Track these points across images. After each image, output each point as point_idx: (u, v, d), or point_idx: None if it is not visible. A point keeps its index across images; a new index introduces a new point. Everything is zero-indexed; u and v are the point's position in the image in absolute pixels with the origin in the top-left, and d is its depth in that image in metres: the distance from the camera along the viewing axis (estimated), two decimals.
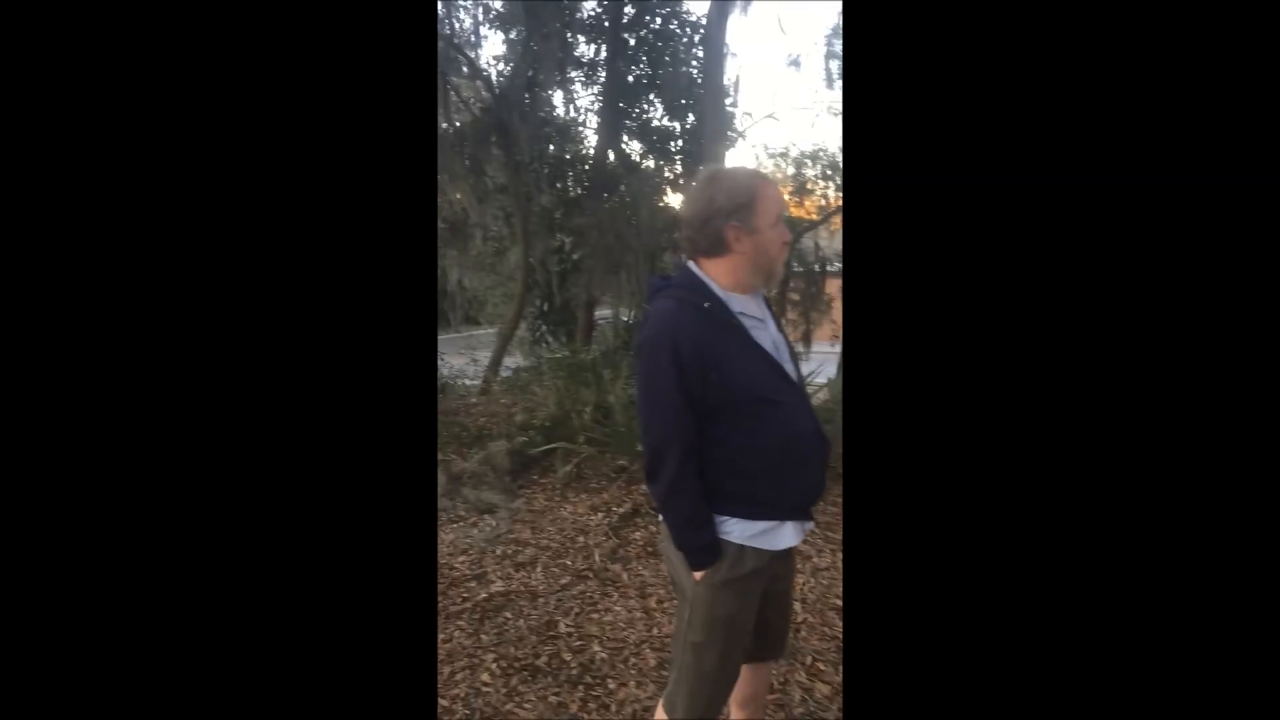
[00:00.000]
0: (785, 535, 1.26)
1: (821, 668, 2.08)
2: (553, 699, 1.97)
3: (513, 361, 6.74)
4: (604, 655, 2.18)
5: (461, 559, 2.89)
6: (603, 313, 7.16)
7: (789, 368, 1.26)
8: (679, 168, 7.21)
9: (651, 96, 7.01)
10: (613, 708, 1.94)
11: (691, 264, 1.28)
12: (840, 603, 2.47)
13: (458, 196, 6.95)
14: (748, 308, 1.25)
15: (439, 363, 5.65)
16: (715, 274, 1.25)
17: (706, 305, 1.22)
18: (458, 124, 6.36)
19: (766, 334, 1.26)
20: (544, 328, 7.24)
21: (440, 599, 2.57)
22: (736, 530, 1.23)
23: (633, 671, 2.10)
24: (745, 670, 1.40)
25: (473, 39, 6.53)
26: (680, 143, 7.11)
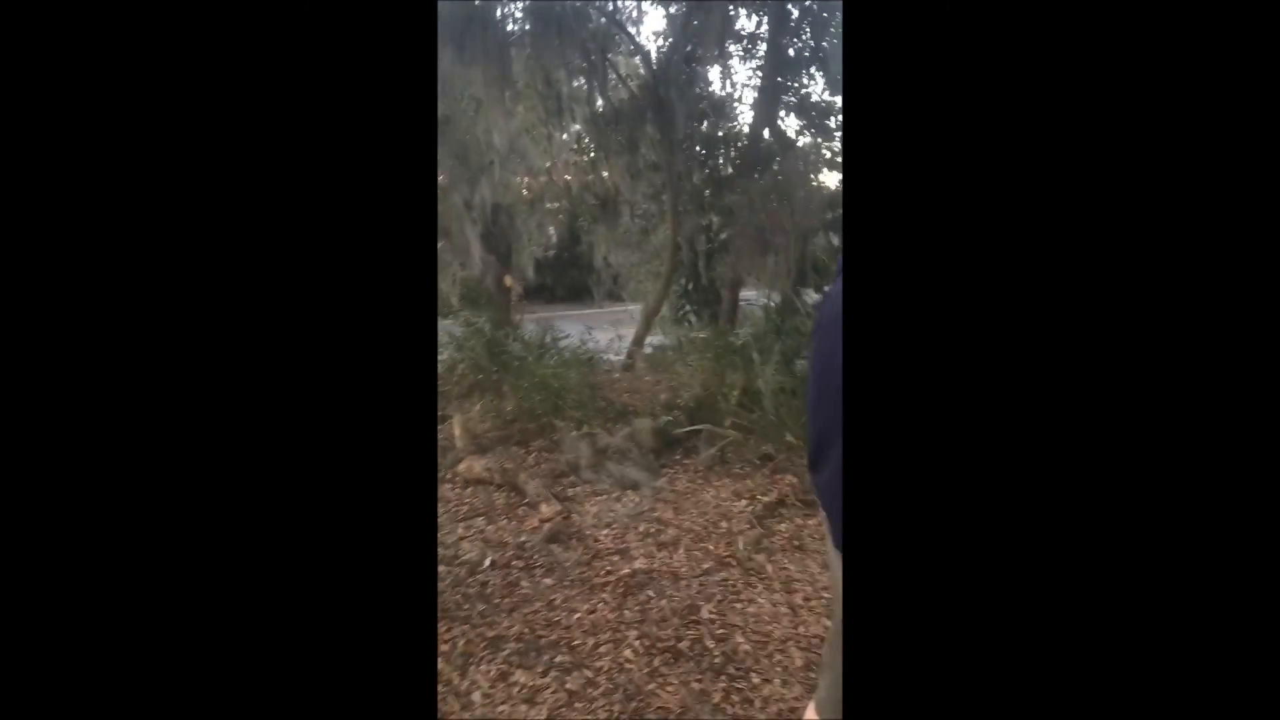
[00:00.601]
0: None
1: None
2: (695, 685, 1.94)
3: (656, 339, 6.78)
4: (747, 648, 2.13)
5: (605, 532, 2.94)
6: (747, 294, 7.02)
7: None
8: (837, 145, 6.87)
9: (813, 70, 6.71)
10: (756, 703, 1.88)
11: None
12: None
13: (605, 174, 7.05)
14: None
15: (588, 336, 5.78)
16: None
17: None
18: (615, 102, 6.42)
19: None
20: (687, 307, 7.21)
21: (585, 569, 2.63)
22: None
23: (778, 669, 2.03)
24: None
25: (634, 14, 6.54)
26: (839, 119, 6.77)
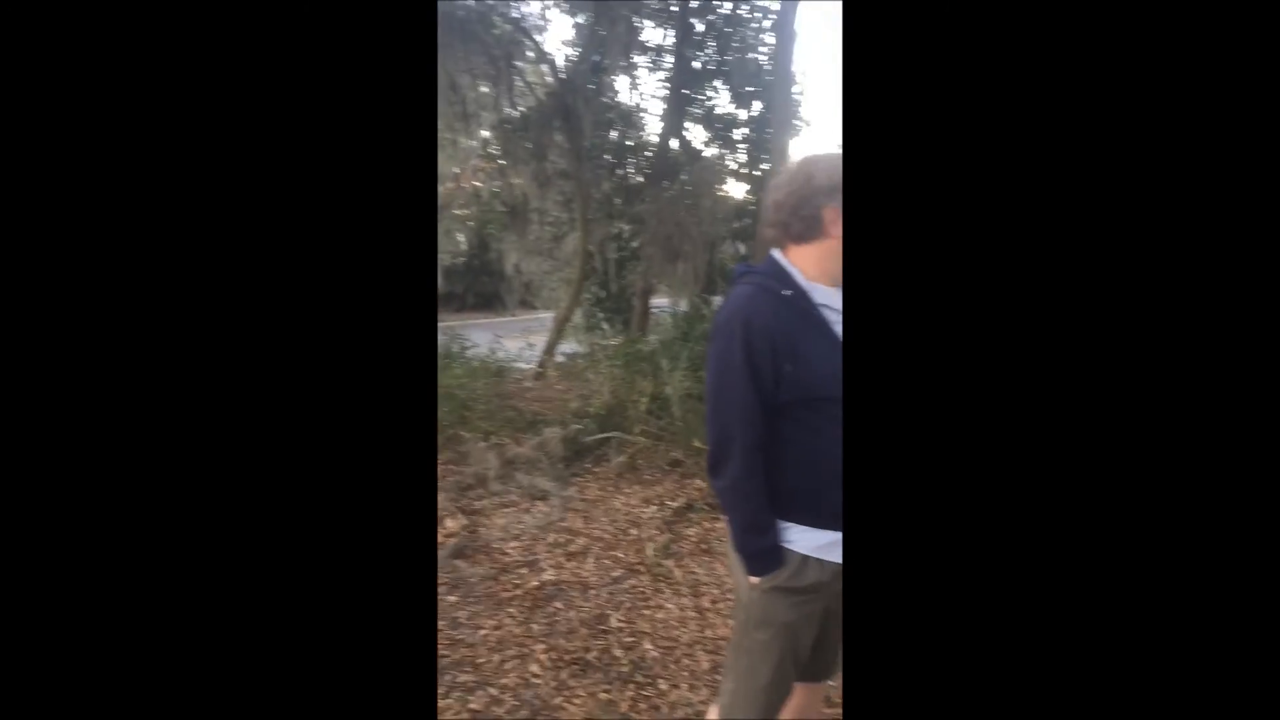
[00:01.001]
0: None
1: None
2: (603, 696, 1.93)
3: (568, 348, 6.75)
4: (655, 654, 2.13)
5: (513, 545, 2.88)
6: (659, 301, 7.10)
7: None
8: (742, 156, 7.06)
9: (718, 83, 6.88)
10: (664, 709, 1.89)
11: (777, 252, 1.21)
12: None
13: (518, 181, 6.97)
14: (831, 300, 1.17)
15: (497, 344, 5.68)
16: (802, 263, 1.18)
17: (787, 293, 1.14)
18: (522, 109, 6.36)
19: None
20: (600, 315, 7.22)
21: (492, 584, 2.57)
22: (801, 539, 1.16)
23: (685, 673, 2.04)
24: (798, 688, 1.32)
25: (540, 23, 6.51)
26: (745, 131, 6.97)
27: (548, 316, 7.54)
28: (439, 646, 2.17)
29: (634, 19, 6.28)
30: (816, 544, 1.16)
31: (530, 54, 6.37)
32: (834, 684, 1.96)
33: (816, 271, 1.17)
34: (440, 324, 6.57)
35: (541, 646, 2.15)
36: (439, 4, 5.43)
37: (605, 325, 7.02)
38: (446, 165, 7.24)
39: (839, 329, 1.16)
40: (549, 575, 2.61)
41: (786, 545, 1.16)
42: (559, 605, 2.40)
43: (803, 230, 1.16)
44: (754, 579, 1.18)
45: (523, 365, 6.22)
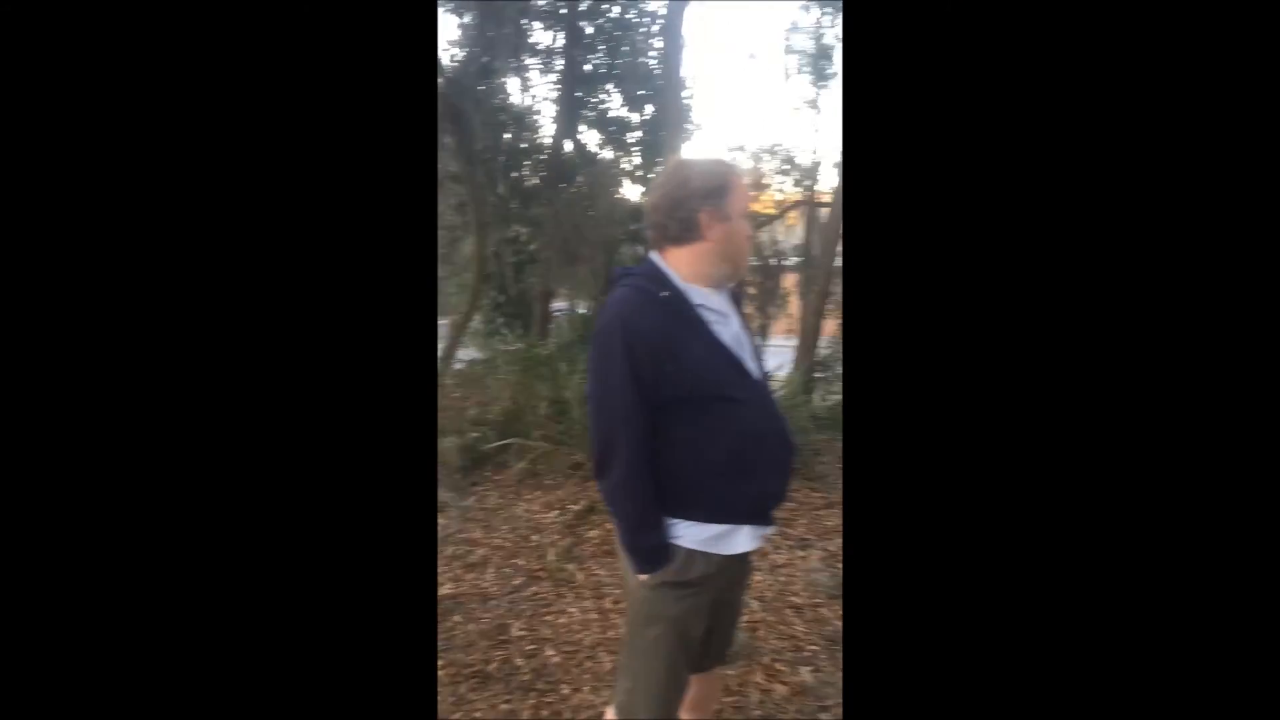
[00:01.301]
0: (740, 540, 1.21)
1: (780, 668, 2.06)
2: (503, 706, 1.90)
3: (466, 354, 6.59)
4: (558, 659, 2.11)
5: None
6: (559, 305, 7.06)
7: (751, 365, 1.21)
8: (637, 159, 7.14)
9: (609, 86, 6.92)
10: (566, 713, 1.87)
11: (654, 255, 1.23)
12: (799, 601, 2.45)
13: None
14: (709, 301, 1.20)
15: None
16: (678, 264, 1.20)
17: (664, 295, 1.16)
18: None
19: (728, 329, 1.20)
20: (499, 320, 7.09)
21: None
22: (688, 534, 1.18)
23: (587, 676, 2.04)
24: (694, 679, 1.35)
25: None
26: (639, 134, 7.04)
27: (444, 323, 7.34)
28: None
29: (522, 21, 6.22)
30: (702, 537, 1.18)
31: None
32: (732, 672, 2.01)
33: (692, 272, 1.19)
34: None
35: (440, 662, 2.09)
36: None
37: (505, 330, 6.91)
38: None
39: (718, 329, 1.19)
40: (447, 589, 2.54)
41: (674, 541, 1.18)
42: (458, 619, 2.34)
43: (679, 232, 1.18)
44: (643, 576, 1.20)
45: None
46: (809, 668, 2.06)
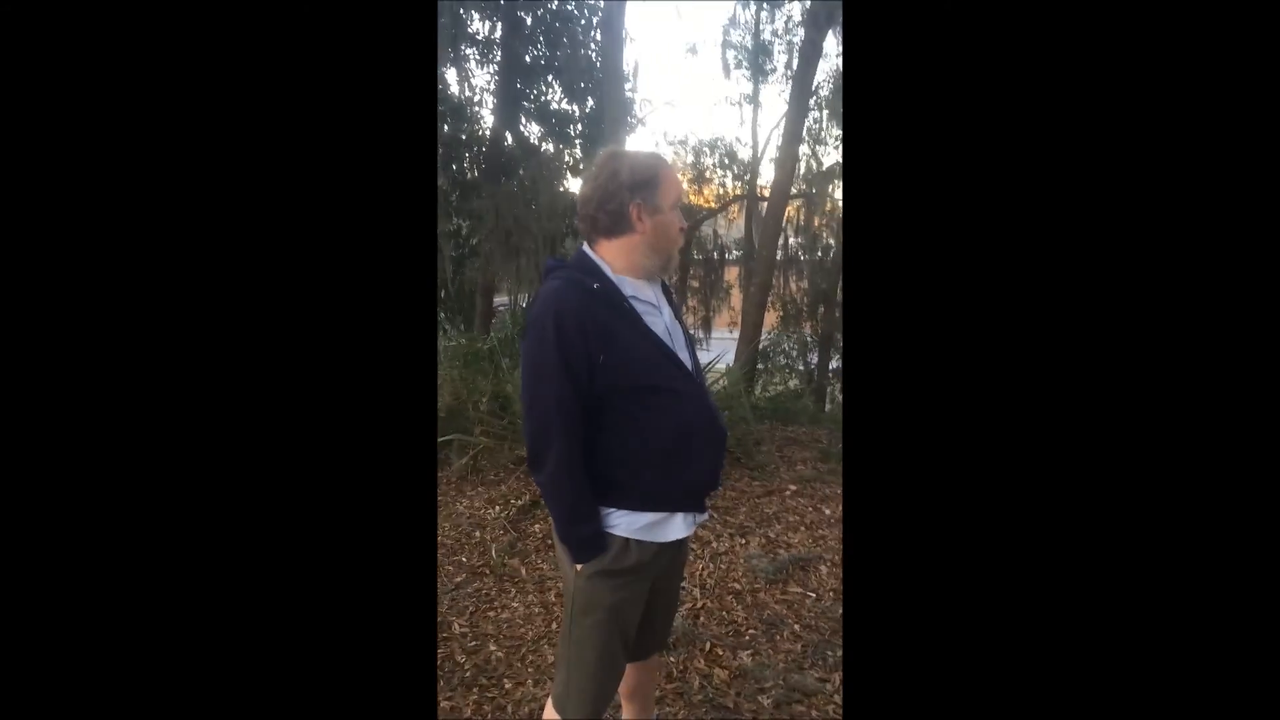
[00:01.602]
0: (674, 527, 1.24)
1: (720, 653, 2.10)
2: (445, 704, 1.88)
3: None
4: (500, 654, 2.11)
5: None
6: (501, 299, 6.99)
7: (683, 356, 1.23)
8: (579, 152, 7.11)
9: (550, 78, 6.87)
10: (509, 708, 1.87)
11: (586, 247, 1.24)
12: (738, 587, 2.50)
13: None
14: (641, 292, 1.21)
15: None
16: (610, 257, 1.21)
17: (596, 286, 1.17)
18: None
19: (660, 320, 1.22)
20: (441, 315, 6.98)
21: None
22: (622, 523, 1.19)
23: (530, 669, 2.04)
24: (631, 667, 1.37)
25: None
26: (580, 127, 7.01)
27: None
28: None
29: (459, 9, 6.11)
30: (636, 525, 1.20)
31: None
32: (673, 658, 2.05)
33: (624, 264, 1.20)
34: None
35: None
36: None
37: (447, 326, 6.80)
38: None
39: (650, 319, 1.20)
40: None
41: (608, 530, 1.19)
42: None
43: (610, 225, 1.19)
44: (579, 565, 1.21)
45: None
46: (748, 651, 2.11)
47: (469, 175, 6.87)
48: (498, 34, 6.64)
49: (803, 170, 8.89)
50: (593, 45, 6.81)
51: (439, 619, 2.29)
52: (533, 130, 7.10)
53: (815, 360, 9.44)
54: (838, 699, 1.87)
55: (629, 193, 1.17)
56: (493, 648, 2.15)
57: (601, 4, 6.21)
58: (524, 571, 2.62)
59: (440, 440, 3.68)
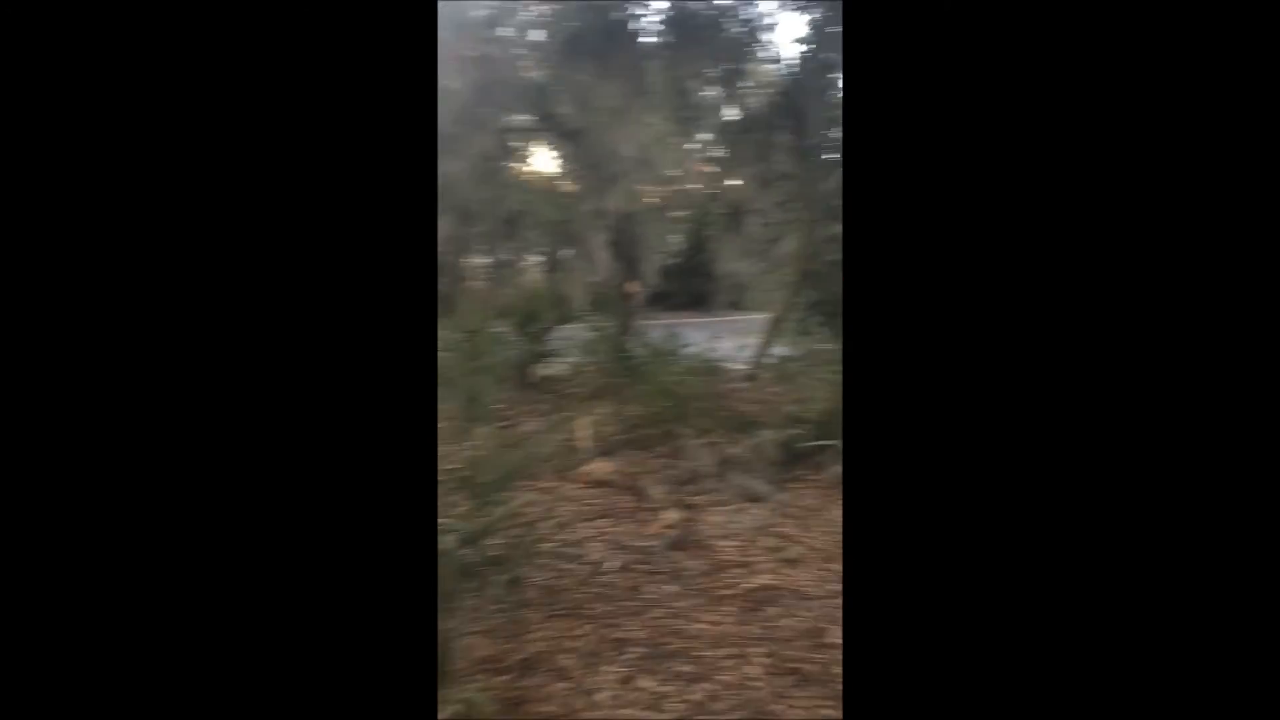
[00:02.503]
0: None
1: None
2: (824, 713, 1.88)
3: (777, 350, 6.65)
4: None
5: (728, 543, 2.91)
6: None
7: None
8: None
9: None
10: None
11: None
12: None
13: (735, 182, 6.99)
14: None
15: (711, 345, 5.77)
16: None
17: None
18: (747, 110, 6.37)
19: None
20: (812, 318, 7.02)
21: (707, 579, 2.61)
22: None
23: None
24: None
25: (770, 23, 6.47)
26: None
27: (757, 318, 7.49)
28: (659, 634, 2.25)
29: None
30: None
31: (760, 54, 6.35)
32: None
33: None
34: (654, 322, 6.80)
35: (760, 650, 2.14)
36: (681, 2, 5.60)
37: (819, 329, 6.81)
38: (670, 168, 7.46)
39: None
40: (766, 579, 2.59)
41: None
42: (776, 610, 2.38)
43: None
44: None
45: (733, 366, 6.24)
46: None
47: None
48: None
49: None
50: None
51: (814, 623, 2.30)
52: None
53: None
54: None
55: None
56: None
57: None
58: None
59: (814, 445, 3.70)
